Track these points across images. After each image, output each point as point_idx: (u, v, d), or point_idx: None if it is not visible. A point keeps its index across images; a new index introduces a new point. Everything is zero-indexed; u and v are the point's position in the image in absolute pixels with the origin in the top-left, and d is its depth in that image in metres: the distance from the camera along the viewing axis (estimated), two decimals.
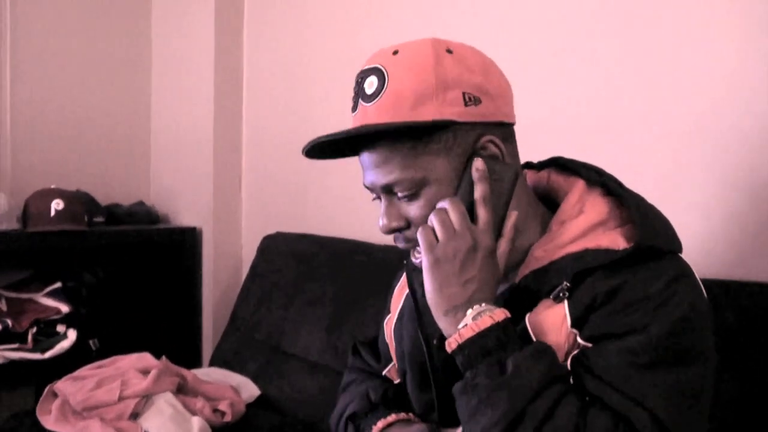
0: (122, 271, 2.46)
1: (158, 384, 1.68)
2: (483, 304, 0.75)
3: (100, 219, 2.39)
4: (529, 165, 0.94)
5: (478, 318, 0.74)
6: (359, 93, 0.81)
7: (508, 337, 0.73)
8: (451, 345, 0.75)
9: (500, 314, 0.74)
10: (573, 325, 0.76)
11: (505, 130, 0.83)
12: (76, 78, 2.57)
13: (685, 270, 0.78)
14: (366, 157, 0.82)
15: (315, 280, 1.98)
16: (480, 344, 0.73)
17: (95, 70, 2.63)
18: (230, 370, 2.06)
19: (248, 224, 2.55)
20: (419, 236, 0.79)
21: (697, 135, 1.30)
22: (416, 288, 0.93)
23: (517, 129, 0.88)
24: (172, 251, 2.49)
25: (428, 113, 0.77)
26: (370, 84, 0.80)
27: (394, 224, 0.83)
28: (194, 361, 2.49)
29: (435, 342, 0.84)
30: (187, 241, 2.49)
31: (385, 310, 1.06)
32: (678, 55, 1.33)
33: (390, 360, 1.05)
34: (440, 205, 0.79)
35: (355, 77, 0.83)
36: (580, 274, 0.77)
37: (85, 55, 2.59)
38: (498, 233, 0.80)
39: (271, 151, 2.45)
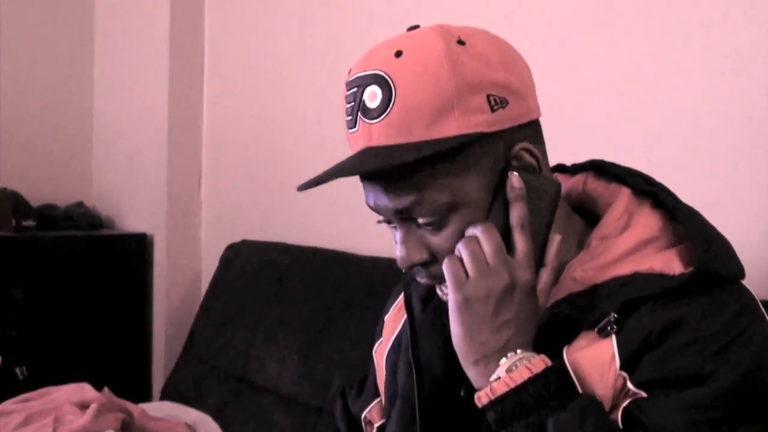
0: (57, 286, 2.42)
1: (99, 421, 1.64)
2: (519, 351, 0.75)
3: (30, 223, 2.41)
4: (561, 168, 0.94)
5: (514, 369, 0.73)
6: (359, 106, 0.78)
7: (549, 392, 0.72)
8: (481, 399, 0.75)
9: (539, 363, 0.73)
10: (622, 367, 0.75)
11: (534, 127, 0.82)
12: (4, 60, 2.56)
13: (751, 301, 0.78)
14: (375, 184, 0.80)
15: (287, 297, 1.97)
16: (516, 401, 0.72)
17: (27, 49, 2.65)
18: (186, 404, 2.03)
19: (208, 231, 2.55)
20: (445, 270, 0.77)
21: (750, 133, 1.28)
22: (414, 306, 0.93)
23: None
24: (117, 262, 2.49)
25: (451, 127, 0.75)
26: (372, 96, 0.77)
27: (417, 257, 0.81)
28: (143, 394, 2.49)
29: (462, 393, 0.81)
30: (136, 250, 2.50)
31: (376, 334, 1.05)
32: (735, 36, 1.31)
33: (376, 395, 1.04)
34: (470, 231, 0.78)
35: (346, 84, 0.80)
36: (630, 304, 0.76)
37: (15, 33, 2.58)
38: (539, 262, 0.79)
39: (235, 146, 2.45)
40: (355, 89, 0.78)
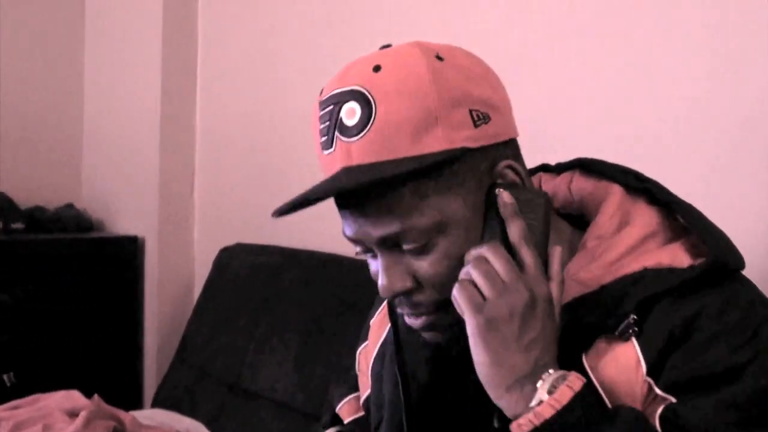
0: (46, 290, 2.42)
1: (89, 429, 1.64)
2: (551, 370, 0.73)
3: (19, 225, 2.40)
4: (544, 167, 0.94)
5: (554, 390, 0.71)
6: (334, 125, 0.76)
7: (592, 409, 0.71)
8: (522, 427, 0.72)
9: (577, 381, 0.72)
10: (649, 372, 0.75)
11: (515, 148, 0.82)
12: None
13: (757, 290, 0.79)
14: (354, 210, 0.78)
15: (282, 301, 1.97)
16: (563, 423, 0.70)
17: (15, 48, 2.63)
18: (178, 412, 2.05)
19: (201, 234, 2.55)
20: (458, 295, 0.75)
21: (748, 132, 1.29)
22: (398, 315, 0.91)
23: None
24: (107, 265, 2.48)
25: (434, 143, 0.74)
26: (351, 113, 0.75)
27: (399, 285, 0.78)
28: (134, 401, 2.48)
29: (496, 424, 0.78)
30: (127, 253, 2.50)
31: (361, 336, 1.05)
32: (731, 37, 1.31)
33: (353, 389, 1.04)
34: (476, 252, 0.76)
35: (320, 104, 0.78)
36: (645, 302, 0.76)
37: (3, 32, 2.59)
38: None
39: (230, 146, 2.45)
40: (331, 107, 0.76)
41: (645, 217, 0.81)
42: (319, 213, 2.20)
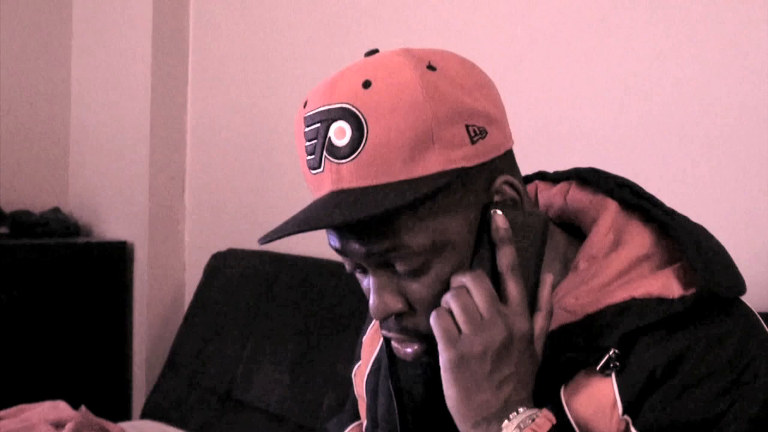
0: (31, 297, 2.41)
1: None
2: (521, 409, 0.73)
3: (3, 230, 2.40)
4: (542, 176, 0.92)
5: None
6: (322, 144, 0.74)
7: None
8: None
9: (545, 424, 0.72)
10: (625, 411, 0.74)
11: (510, 157, 0.80)
12: None
13: (754, 323, 0.77)
14: (344, 230, 0.76)
15: (276, 309, 1.97)
16: None
17: None
18: (168, 423, 2.05)
19: (193, 239, 2.55)
20: (434, 324, 0.74)
21: (749, 137, 1.28)
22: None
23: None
24: (95, 271, 2.47)
25: (430, 164, 0.72)
26: (340, 132, 0.72)
27: (393, 307, 0.77)
28: (122, 412, 2.47)
29: None
30: (115, 258, 2.49)
31: (355, 357, 1.04)
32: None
33: (354, 418, 1.04)
34: (458, 281, 0.75)
35: (305, 119, 0.75)
36: (629, 336, 0.75)
37: None
38: (531, 305, 0.77)
39: (221, 150, 2.45)
40: (318, 125, 0.74)
41: (638, 238, 0.80)
42: None
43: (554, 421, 0.72)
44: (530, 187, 0.90)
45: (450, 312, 0.74)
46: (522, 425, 0.71)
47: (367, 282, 0.79)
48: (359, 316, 1.71)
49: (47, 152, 2.73)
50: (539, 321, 0.75)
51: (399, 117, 0.71)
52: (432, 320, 0.74)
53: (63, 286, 2.45)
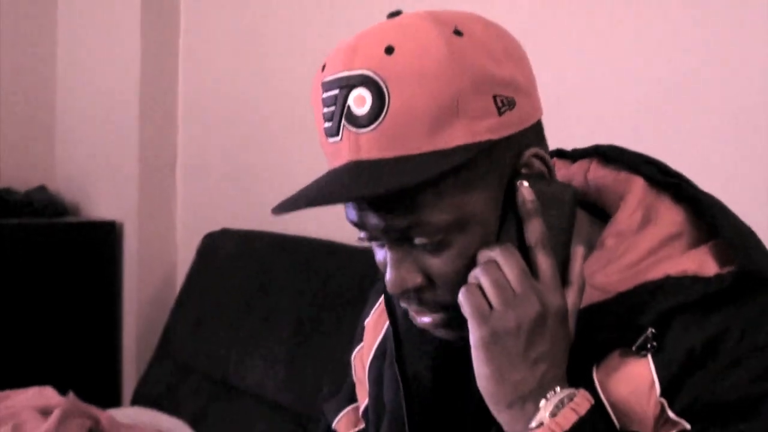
0: (16, 279, 2.41)
1: (63, 428, 1.66)
2: (558, 389, 0.73)
3: None
4: (560, 153, 0.92)
5: (558, 412, 0.72)
6: (341, 111, 0.74)
7: None
8: None
9: (584, 403, 0.72)
10: (663, 393, 0.74)
11: (539, 129, 0.80)
12: None
13: None
14: (364, 204, 0.76)
15: (273, 291, 1.97)
16: None
17: None
18: (159, 410, 2.04)
19: (185, 218, 2.55)
20: (464, 300, 0.74)
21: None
22: (396, 308, 0.91)
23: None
24: (83, 253, 2.47)
25: (455, 136, 0.72)
26: (360, 100, 0.72)
27: (410, 281, 0.77)
28: (112, 399, 2.47)
29: None
30: (104, 239, 2.49)
31: (355, 339, 1.04)
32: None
33: (350, 401, 1.04)
34: (486, 255, 0.75)
35: (323, 84, 0.76)
36: (666, 314, 0.75)
37: None
38: (562, 280, 0.77)
39: (215, 125, 2.44)
40: (337, 91, 0.74)
41: (670, 216, 0.80)
42: None
43: (592, 401, 0.72)
44: None
45: (480, 288, 0.74)
46: (560, 404, 0.72)
47: (383, 255, 0.79)
48: (360, 300, 1.70)
49: (32, 128, 2.73)
50: (571, 296, 0.76)
51: (423, 86, 0.71)
52: (461, 296, 0.74)
53: (49, 268, 2.46)
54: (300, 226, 2.07)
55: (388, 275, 0.78)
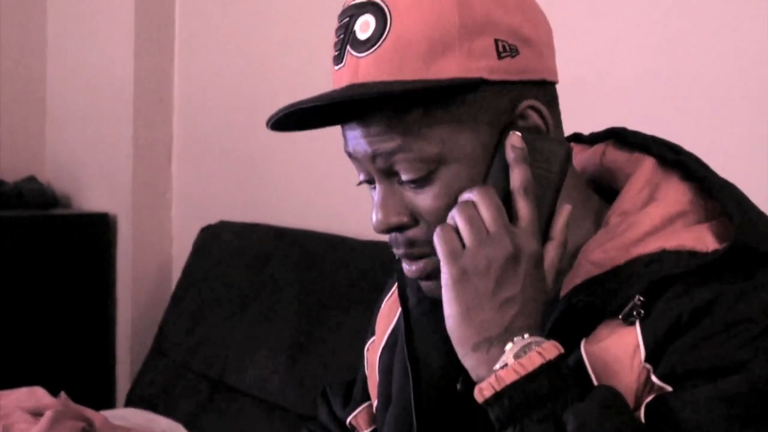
0: (3, 274, 2.41)
1: (54, 430, 1.61)
2: (527, 335, 0.75)
3: None
4: (577, 138, 0.95)
5: (523, 355, 0.73)
6: (347, 38, 0.80)
7: (565, 382, 0.73)
8: (483, 392, 0.74)
9: (552, 349, 0.74)
10: (648, 359, 0.76)
11: (548, 91, 0.83)
12: None
13: None
14: (354, 124, 0.82)
15: (273, 287, 1.97)
16: (527, 391, 0.72)
17: None
18: (155, 412, 2.05)
19: (181, 211, 2.55)
20: (437, 239, 0.78)
21: None
22: (409, 295, 0.94)
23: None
24: (74, 246, 2.47)
25: (448, 68, 0.77)
26: (364, 26, 0.78)
27: (395, 219, 0.82)
28: (105, 399, 2.48)
29: (459, 386, 0.82)
30: (97, 232, 2.49)
31: (369, 331, 1.06)
32: None
33: (365, 398, 1.06)
34: (465, 196, 0.79)
35: (339, 15, 0.82)
36: (657, 285, 0.76)
37: None
38: (544, 235, 0.80)
39: (211, 114, 2.44)
40: (347, 20, 0.80)
41: (675, 194, 0.81)
42: (313, 188, 2.22)
43: (562, 350, 0.74)
44: None
45: (455, 228, 0.77)
46: (526, 349, 0.73)
47: (375, 196, 0.83)
48: (364, 295, 1.71)
49: (21, 115, 2.73)
50: (551, 251, 0.79)
51: (424, 14, 0.76)
52: (435, 236, 0.77)
53: (39, 262, 2.46)
54: (301, 219, 2.09)
55: (374, 214, 0.82)
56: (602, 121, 0.96)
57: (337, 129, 0.84)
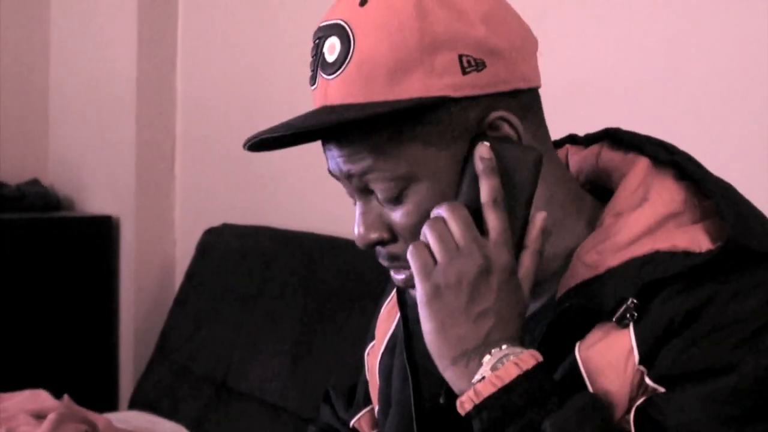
0: (7, 277, 2.41)
1: None
2: (504, 346, 0.75)
3: None
4: (572, 139, 0.94)
5: (499, 366, 0.74)
6: (317, 60, 0.81)
7: (543, 391, 0.73)
8: (464, 405, 0.75)
9: (529, 359, 0.74)
10: (641, 361, 0.76)
11: (523, 99, 0.82)
12: None
13: None
14: (330, 145, 0.83)
15: (276, 289, 1.97)
16: (505, 403, 0.73)
17: None
18: (158, 414, 2.05)
19: (184, 213, 2.55)
20: (410, 257, 0.78)
21: None
22: (407, 300, 0.94)
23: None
24: (78, 249, 2.47)
25: (411, 88, 0.77)
26: (331, 48, 0.80)
27: (374, 235, 0.83)
28: (109, 402, 2.47)
29: (441, 400, 0.83)
30: (99, 235, 2.49)
31: (369, 335, 1.06)
32: None
33: (367, 402, 1.05)
34: (435, 212, 0.79)
35: (313, 36, 0.83)
36: (650, 287, 0.76)
37: None
38: (519, 245, 0.80)
39: (215, 116, 2.44)
40: (318, 41, 0.81)
41: (667, 195, 0.81)
42: (314, 192, 2.22)
43: (540, 358, 0.74)
44: (561, 152, 0.92)
45: (426, 245, 0.78)
46: (504, 359, 0.74)
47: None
48: (366, 298, 1.70)
49: (24, 118, 2.72)
50: (525, 261, 0.79)
51: (385, 35, 0.77)
52: (408, 254, 0.78)
53: (42, 265, 2.45)
54: (304, 222, 2.08)
55: (355, 229, 0.84)
56: (601, 122, 0.95)
57: None
